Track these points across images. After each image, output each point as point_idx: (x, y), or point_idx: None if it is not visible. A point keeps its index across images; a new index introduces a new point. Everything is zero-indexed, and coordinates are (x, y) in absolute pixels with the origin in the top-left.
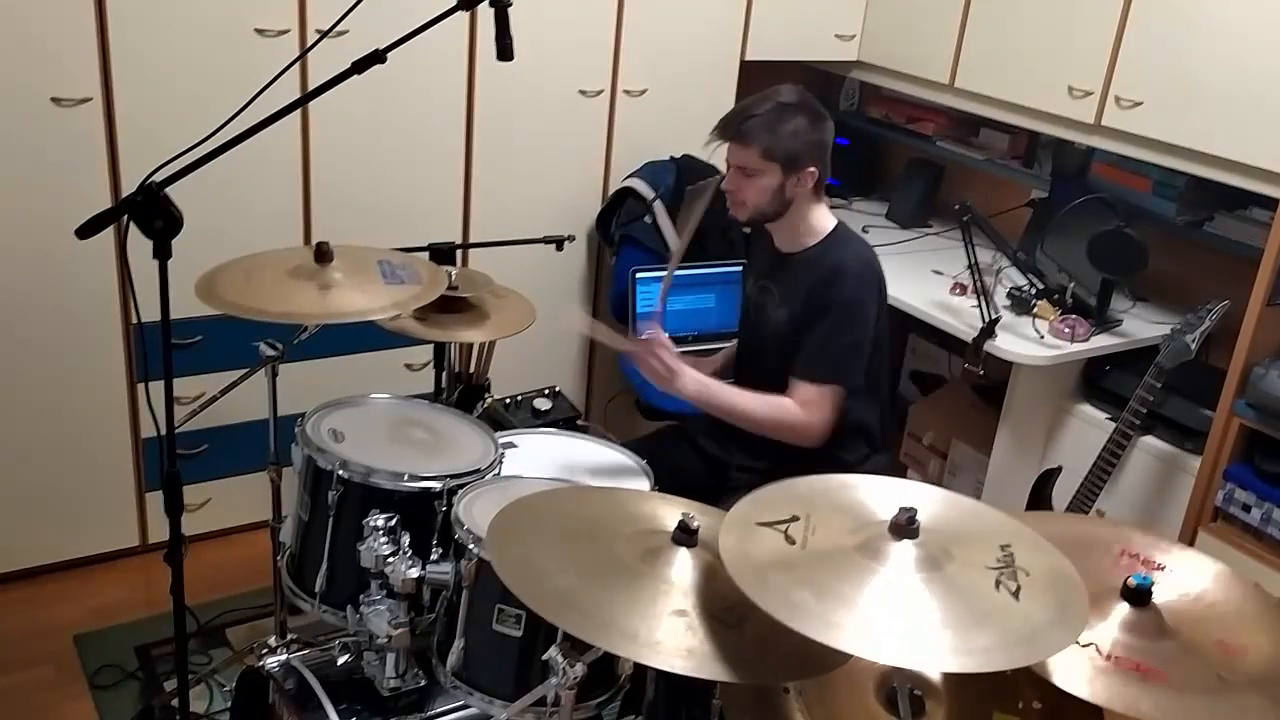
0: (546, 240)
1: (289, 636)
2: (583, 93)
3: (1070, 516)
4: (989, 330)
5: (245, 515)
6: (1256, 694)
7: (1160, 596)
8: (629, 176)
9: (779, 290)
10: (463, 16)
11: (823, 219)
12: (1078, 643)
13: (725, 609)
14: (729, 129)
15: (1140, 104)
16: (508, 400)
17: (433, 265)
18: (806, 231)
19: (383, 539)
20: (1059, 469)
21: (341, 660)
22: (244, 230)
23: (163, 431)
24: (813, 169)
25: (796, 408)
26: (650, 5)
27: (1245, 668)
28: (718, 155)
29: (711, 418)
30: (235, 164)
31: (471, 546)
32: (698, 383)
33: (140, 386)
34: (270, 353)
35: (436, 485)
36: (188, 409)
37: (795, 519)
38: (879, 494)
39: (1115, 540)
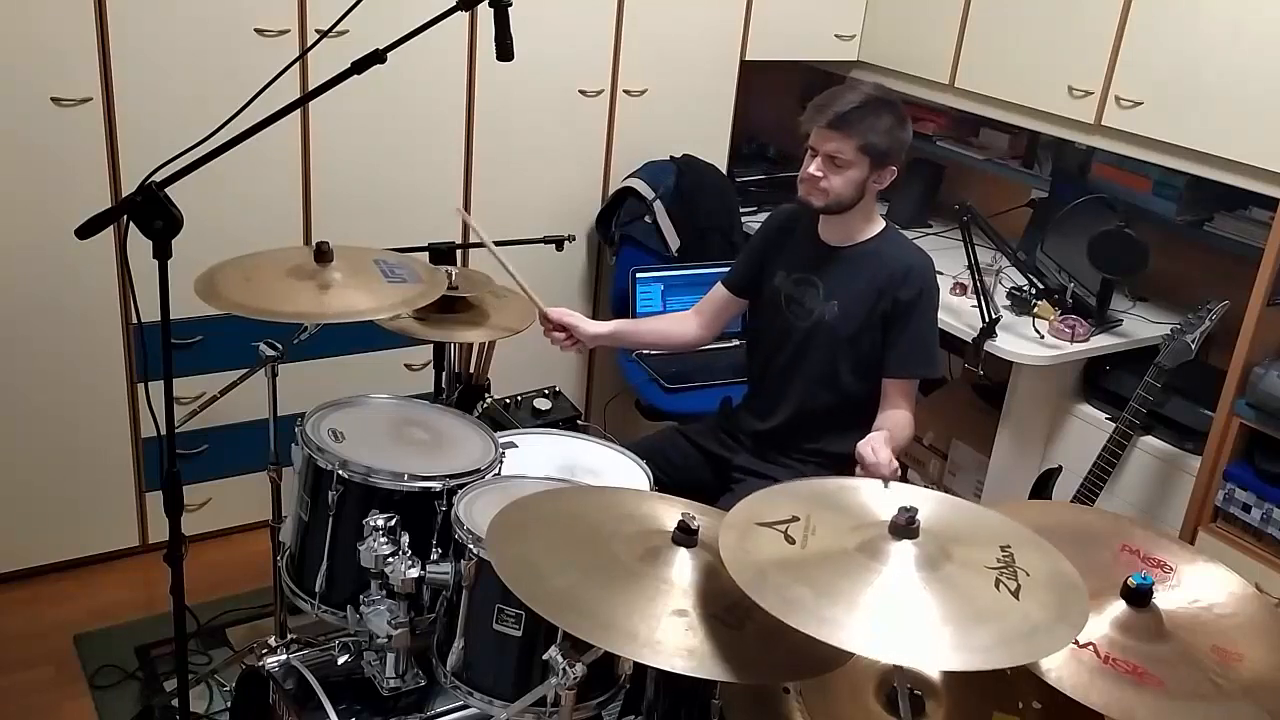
0: (546, 240)
1: (289, 636)
2: (583, 93)
3: (1070, 506)
4: (989, 330)
5: (245, 515)
6: (1249, 702)
7: (1159, 597)
8: (629, 176)
9: (825, 283)
10: (463, 16)
11: (876, 218)
12: (1076, 642)
13: (725, 609)
14: (827, 115)
15: (1140, 104)
16: (508, 400)
17: (430, 264)
18: (860, 228)
19: (383, 539)
20: (1059, 469)
21: (341, 660)
22: (244, 230)
23: (163, 431)
24: (894, 168)
25: (910, 416)
26: (650, 5)
27: (1240, 674)
28: (713, 153)
29: (712, 419)
30: (235, 164)
31: (471, 546)
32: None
33: (140, 386)
34: (270, 353)
35: (436, 485)
36: (188, 409)
37: (795, 519)
38: (878, 495)
39: (1115, 535)
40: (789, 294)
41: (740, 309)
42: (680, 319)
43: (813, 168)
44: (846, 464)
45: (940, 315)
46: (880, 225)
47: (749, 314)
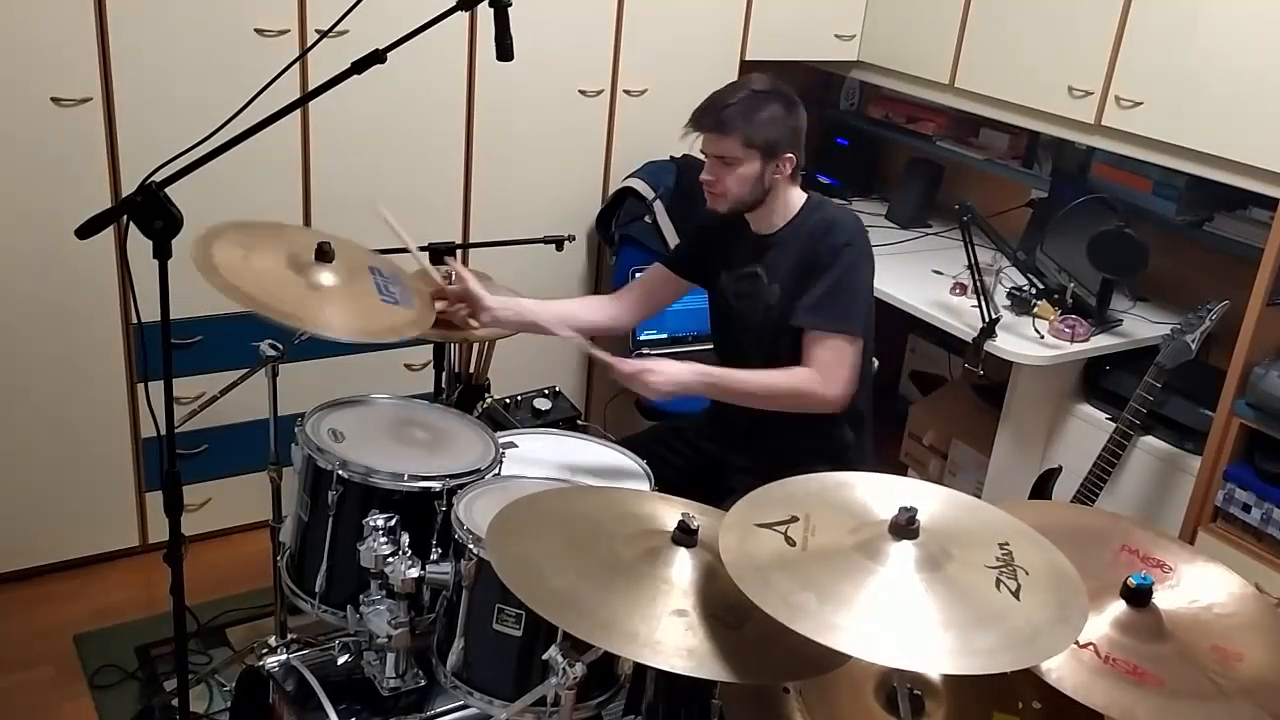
0: (546, 240)
1: (289, 636)
2: (583, 93)
3: (1070, 506)
4: (989, 330)
5: (245, 515)
6: (1250, 701)
7: (1159, 597)
8: (629, 176)
9: (767, 271)
10: (463, 16)
11: (797, 196)
12: (1077, 642)
13: (725, 609)
14: (706, 119)
15: (1140, 104)
16: (508, 400)
17: (422, 289)
18: (783, 211)
19: (383, 539)
20: (1059, 469)
21: (341, 660)
22: None
23: (163, 431)
24: (790, 155)
25: (813, 373)
26: (650, 5)
27: (1240, 674)
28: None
29: (709, 417)
30: (235, 164)
31: (471, 546)
32: (696, 373)
33: (140, 386)
34: (270, 353)
35: (436, 485)
36: (188, 409)
37: (795, 519)
38: (877, 493)
39: (1114, 535)
40: (734, 290)
41: (680, 291)
42: (593, 302)
43: (705, 173)
44: (842, 456)
45: (940, 315)
46: (801, 199)
47: (710, 317)
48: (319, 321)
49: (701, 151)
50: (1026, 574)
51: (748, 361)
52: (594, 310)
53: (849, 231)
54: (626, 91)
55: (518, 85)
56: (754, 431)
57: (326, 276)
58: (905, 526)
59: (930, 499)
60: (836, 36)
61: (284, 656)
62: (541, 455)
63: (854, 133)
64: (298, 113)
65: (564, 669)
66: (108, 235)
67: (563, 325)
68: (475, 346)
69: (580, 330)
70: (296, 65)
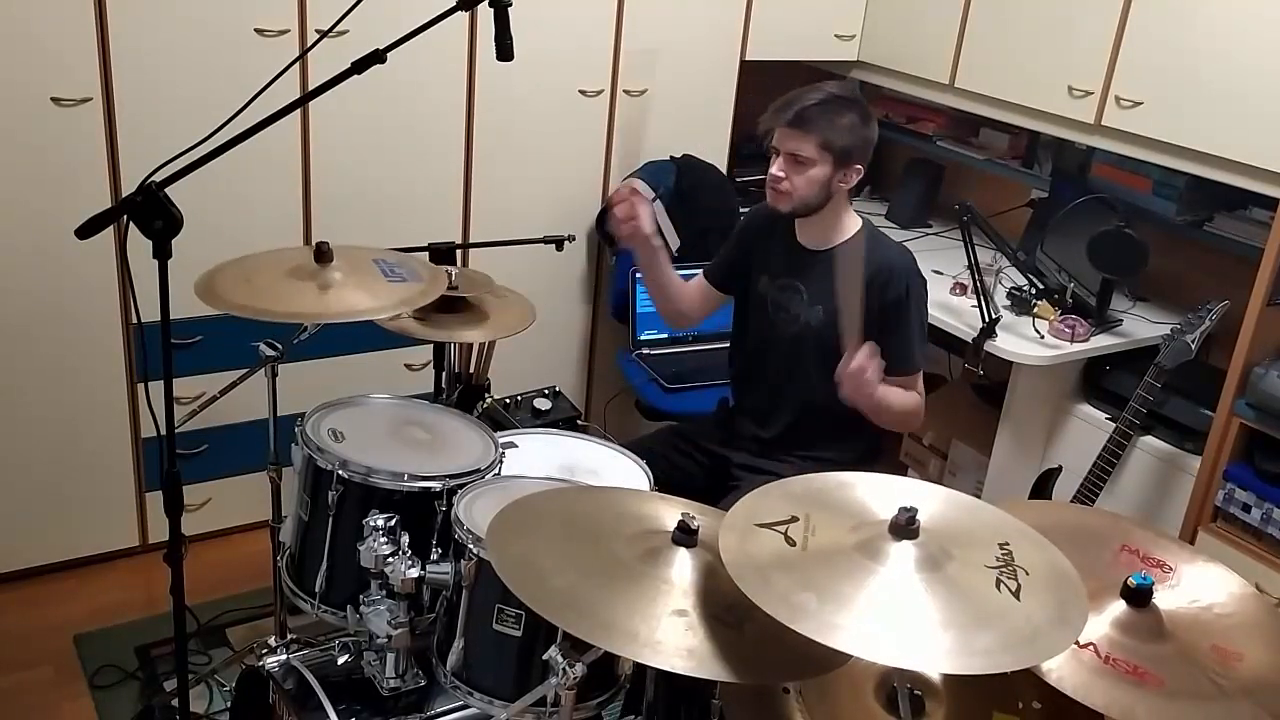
0: (546, 240)
1: (289, 636)
2: (583, 93)
3: (1070, 506)
4: (989, 330)
5: (245, 515)
6: (1250, 701)
7: (1159, 597)
8: (629, 176)
9: (809, 288)
10: (463, 16)
11: (852, 217)
12: (1077, 642)
13: (725, 609)
14: (786, 114)
15: (1140, 104)
16: (508, 400)
17: (429, 263)
18: (837, 228)
19: (383, 539)
20: (1059, 469)
21: (341, 660)
22: (244, 230)
23: (163, 431)
24: (859, 166)
25: (920, 401)
26: (650, 5)
27: (1240, 674)
28: (713, 153)
29: (710, 419)
30: (235, 164)
31: (471, 546)
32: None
33: (140, 386)
34: (270, 353)
35: (436, 485)
36: (188, 409)
37: (795, 519)
38: (877, 493)
39: (1114, 535)
40: (774, 300)
41: (720, 303)
42: (686, 289)
43: (775, 168)
44: (874, 458)
45: (940, 315)
46: (857, 224)
47: (735, 316)
48: (345, 310)
49: (772, 148)
50: (1026, 574)
51: (765, 367)
52: (686, 297)
53: (909, 272)
54: (626, 91)
55: (518, 85)
56: (784, 442)
57: (334, 274)
58: (905, 526)
59: (930, 499)
60: (836, 36)
61: (284, 656)
62: (541, 455)
63: None
64: (298, 113)
65: (564, 669)
66: (108, 235)
67: (671, 296)
68: (475, 346)
69: (675, 305)
70: (296, 65)
